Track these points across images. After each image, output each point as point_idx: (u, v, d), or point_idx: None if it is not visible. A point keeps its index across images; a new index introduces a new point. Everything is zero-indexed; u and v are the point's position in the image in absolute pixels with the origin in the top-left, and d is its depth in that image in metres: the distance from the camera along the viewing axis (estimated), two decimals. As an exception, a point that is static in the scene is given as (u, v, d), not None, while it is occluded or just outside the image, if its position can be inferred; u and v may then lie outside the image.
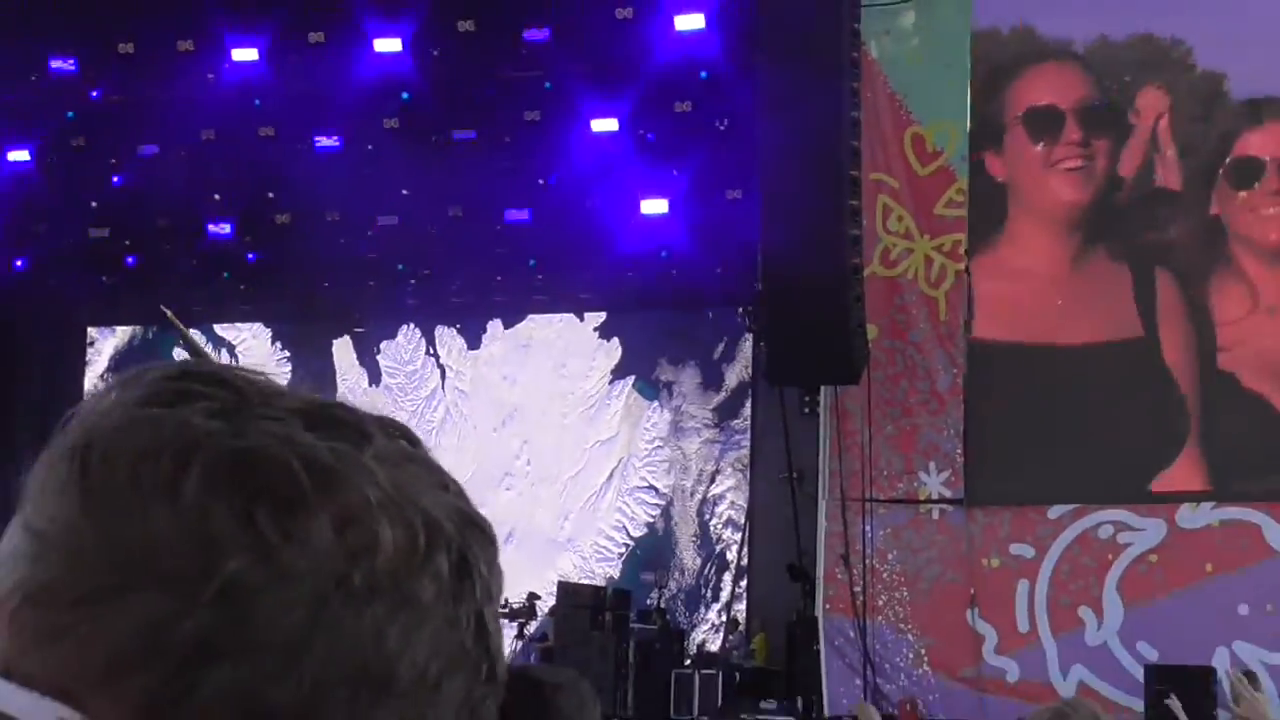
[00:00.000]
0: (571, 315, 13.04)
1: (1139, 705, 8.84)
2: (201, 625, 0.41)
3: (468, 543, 0.47)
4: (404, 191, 12.52)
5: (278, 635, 0.41)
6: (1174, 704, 5.87)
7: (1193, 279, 9.70)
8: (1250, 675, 7.37)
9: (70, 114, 13.19)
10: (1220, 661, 9.12)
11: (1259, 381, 9.50)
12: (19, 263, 13.82)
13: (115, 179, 13.36)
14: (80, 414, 0.47)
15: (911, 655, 9.74)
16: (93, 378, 14.68)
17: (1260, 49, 9.49)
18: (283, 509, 0.43)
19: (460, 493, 0.50)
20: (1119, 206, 9.97)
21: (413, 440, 0.50)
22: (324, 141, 12.49)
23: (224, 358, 13.95)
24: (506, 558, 0.48)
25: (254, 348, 14.33)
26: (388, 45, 11.71)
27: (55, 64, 12.85)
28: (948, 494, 9.78)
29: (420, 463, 0.49)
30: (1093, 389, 9.73)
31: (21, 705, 0.42)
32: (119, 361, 14.32)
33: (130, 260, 13.60)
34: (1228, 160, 9.65)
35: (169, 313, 6.56)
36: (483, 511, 0.48)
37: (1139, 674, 9.13)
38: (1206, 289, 9.65)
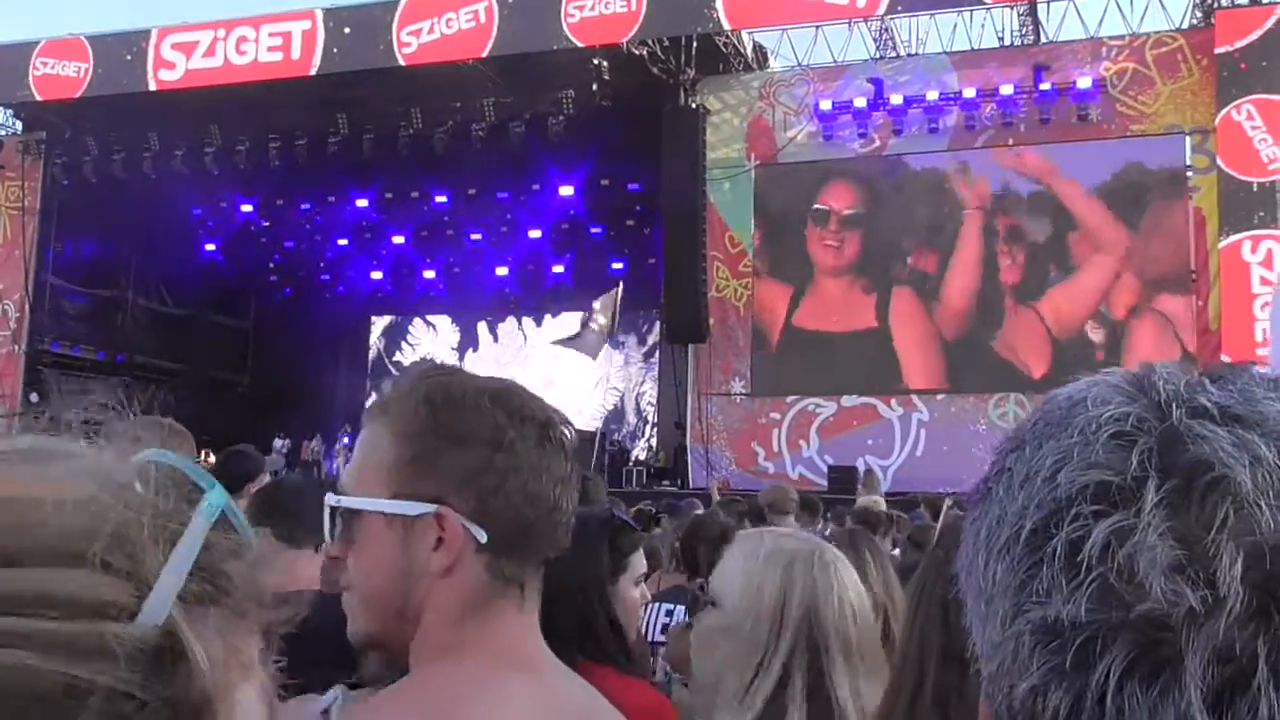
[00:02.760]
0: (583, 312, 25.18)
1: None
2: (504, 461, 1.23)
3: (566, 426, 1.31)
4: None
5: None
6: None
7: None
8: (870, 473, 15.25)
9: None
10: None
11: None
12: (326, 277, 25.59)
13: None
14: (408, 379, 1.29)
15: (727, 460, 19.83)
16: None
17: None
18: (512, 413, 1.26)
19: (559, 412, 1.33)
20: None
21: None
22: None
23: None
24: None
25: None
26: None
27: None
28: (743, 391, 20.13)
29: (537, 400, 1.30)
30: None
31: (413, 509, 1.20)
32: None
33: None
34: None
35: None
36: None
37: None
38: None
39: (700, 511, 8.42)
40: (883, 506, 9.00)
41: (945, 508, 4.84)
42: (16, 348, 22.84)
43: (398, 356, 28.86)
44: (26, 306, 22.87)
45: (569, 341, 19.81)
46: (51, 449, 0.54)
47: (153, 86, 20.18)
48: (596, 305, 17.68)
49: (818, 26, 19.08)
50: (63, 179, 22.50)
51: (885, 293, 19.22)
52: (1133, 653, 0.51)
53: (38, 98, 21.23)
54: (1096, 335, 18.06)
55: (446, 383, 1.32)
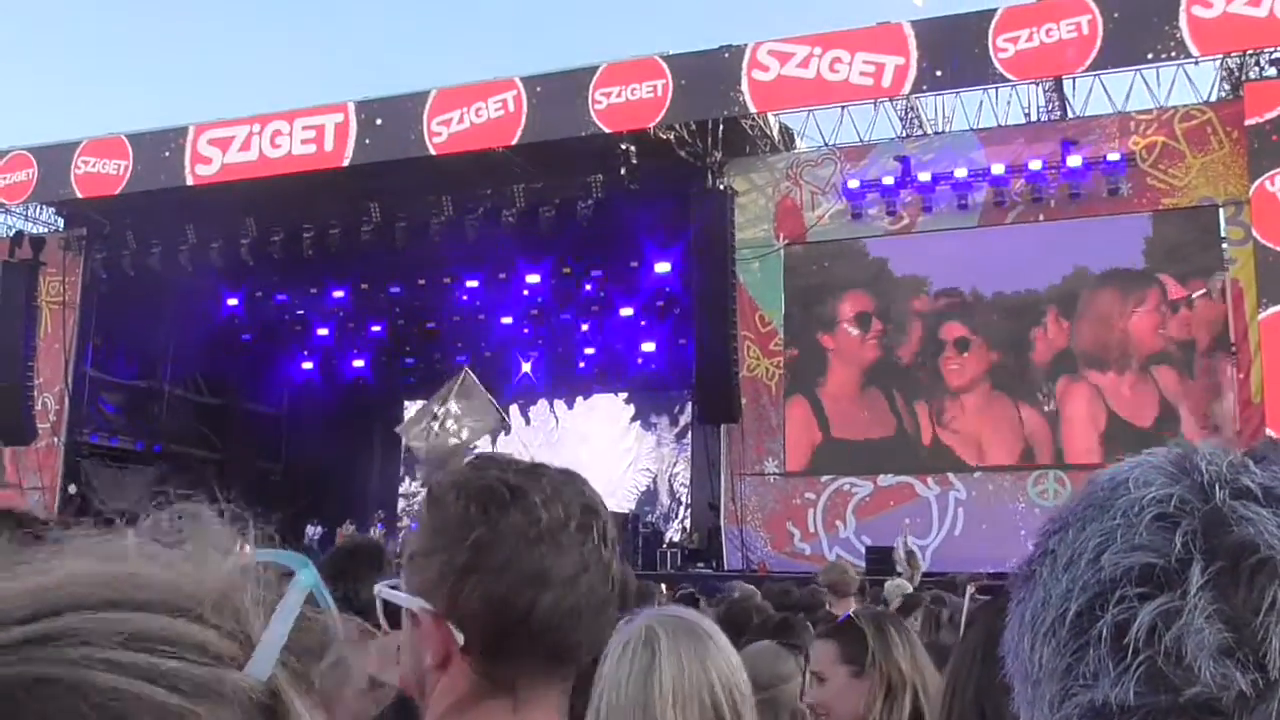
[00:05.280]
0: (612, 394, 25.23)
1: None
2: (466, 560, 1.19)
3: (589, 518, 1.26)
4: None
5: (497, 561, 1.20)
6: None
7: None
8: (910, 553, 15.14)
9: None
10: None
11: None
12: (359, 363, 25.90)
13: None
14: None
15: (762, 542, 19.33)
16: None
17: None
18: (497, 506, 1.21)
19: (593, 492, 1.28)
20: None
21: (569, 473, 1.31)
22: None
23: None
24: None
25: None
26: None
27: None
28: (777, 471, 19.65)
29: (569, 477, 1.28)
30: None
31: (411, 603, 1.27)
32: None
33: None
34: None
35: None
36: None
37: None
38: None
39: (736, 595, 8.29)
40: (908, 589, 8.80)
41: (968, 594, 4.71)
42: (56, 440, 23.03)
43: (430, 441, 28.85)
44: (66, 399, 23.11)
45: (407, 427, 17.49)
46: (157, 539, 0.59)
47: (190, 181, 20.57)
48: (437, 410, 15.68)
49: (843, 107, 19.22)
50: (102, 273, 22.88)
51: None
52: None
53: (79, 195, 21.66)
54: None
55: (446, 477, 1.34)
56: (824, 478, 19.39)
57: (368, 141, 19.61)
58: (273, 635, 0.54)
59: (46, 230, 23.79)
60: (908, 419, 19.03)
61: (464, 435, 15.83)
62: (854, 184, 18.95)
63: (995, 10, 17.42)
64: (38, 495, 22.44)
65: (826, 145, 19.77)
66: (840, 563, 8.65)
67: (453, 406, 15.83)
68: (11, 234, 23.13)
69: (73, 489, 23.06)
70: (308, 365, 27.84)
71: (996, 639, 0.67)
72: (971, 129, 19.06)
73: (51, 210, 23.91)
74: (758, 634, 4.46)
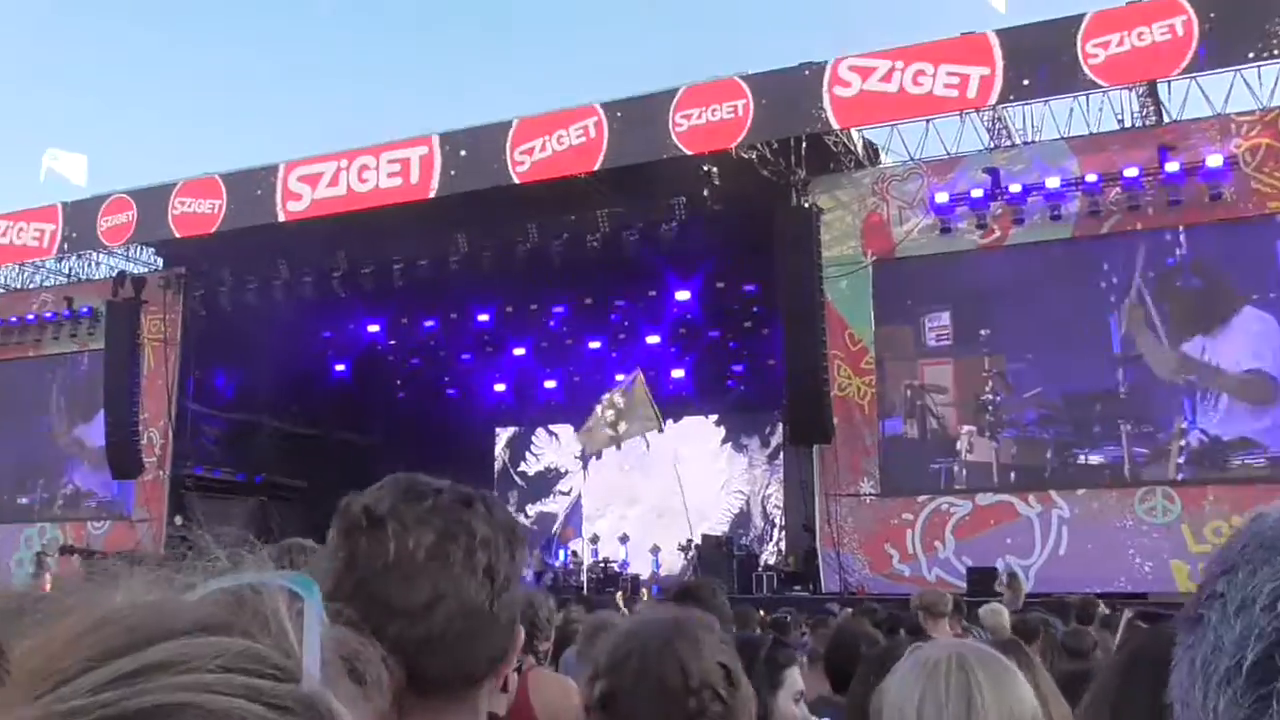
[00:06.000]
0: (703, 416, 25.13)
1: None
2: (327, 587, 0.97)
3: (449, 546, 1.32)
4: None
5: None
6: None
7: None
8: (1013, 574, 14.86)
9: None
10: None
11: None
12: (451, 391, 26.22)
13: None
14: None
15: (860, 564, 18.86)
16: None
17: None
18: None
19: (489, 523, 1.38)
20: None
21: (471, 498, 1.41)
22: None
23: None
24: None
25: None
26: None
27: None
28: (872, 492, 19.11)
29: (463, 505, 1.39)
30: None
31: None
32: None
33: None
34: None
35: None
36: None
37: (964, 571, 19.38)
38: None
39: (840, 619, 8.11)
40: (1005, 616, 8.51)
41: (1125, 619, 4.46)
42: (162, 473, 23.61)
43: (522, 466, 29.05)
44: (170, 433, 23.68)
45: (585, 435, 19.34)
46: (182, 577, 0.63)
47: (282, 218, 20.96)
48: (605, 398, 17.46)
49: (928, 120, 18.89)
50: (200, 310, 23.44)
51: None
52: None
53: (177, 235, 22.23)
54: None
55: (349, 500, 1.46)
56: (921, 497, 18.93)
57: (452, 173, 19.80)
58: (313, 650, 0.57)
59: (147, 270, 24.47)
60: (1007, 435, 18.71)
61: (620, 429, 17.75)
62: (942, 198, 18.59)
63: (1084, 15, 16.94)
64: (146, 527, 23.03)
65: (912, 159, 19.44)
66: (936, 589, 8.48)
67: (618, 401, 17.71)
68: (114, 274, 23.85)
69: (179, 520, 23.59)
70: (401, 395, 28.20)
71: (1141, 671, 0.57)
72: (1062, 137, 18.55)
73: (151, 250, 24.58)
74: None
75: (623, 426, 17.63)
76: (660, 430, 18.75)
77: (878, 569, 18.74)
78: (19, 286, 26.01)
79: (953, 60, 17.43)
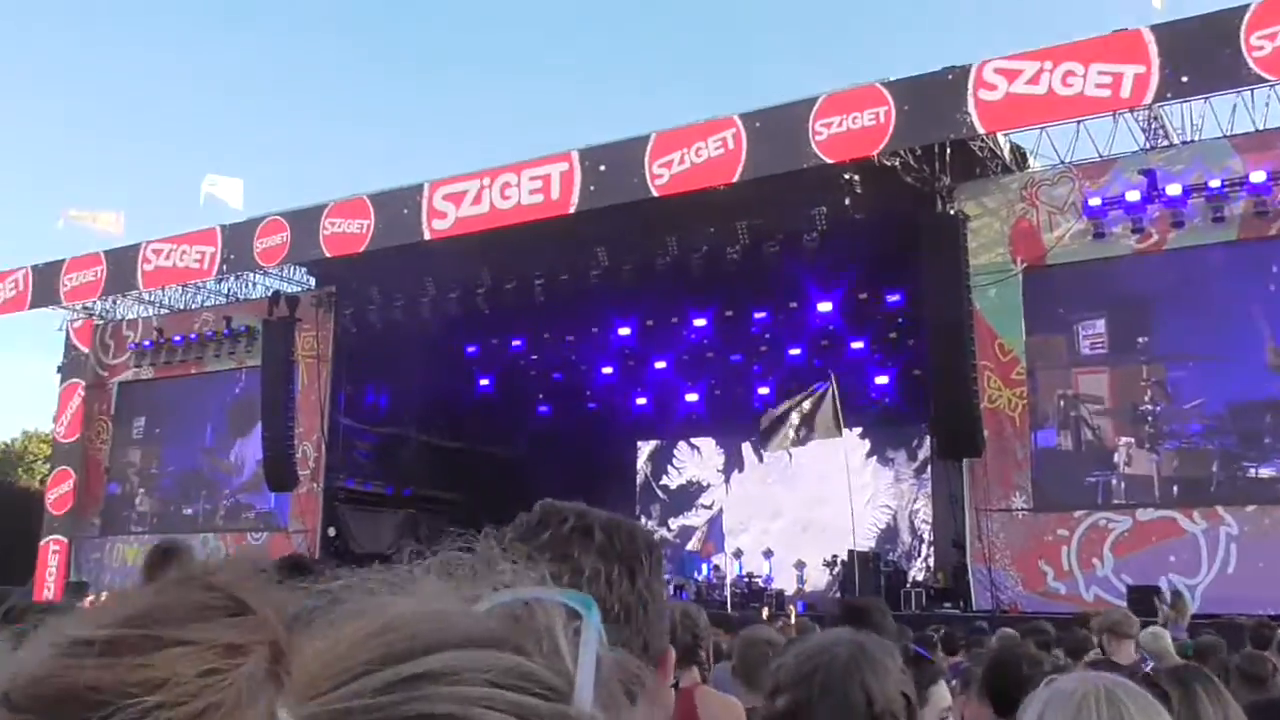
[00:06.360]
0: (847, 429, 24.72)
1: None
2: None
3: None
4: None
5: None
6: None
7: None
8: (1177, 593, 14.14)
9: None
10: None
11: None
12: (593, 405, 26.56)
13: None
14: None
15: (1012, 581, 18.23)
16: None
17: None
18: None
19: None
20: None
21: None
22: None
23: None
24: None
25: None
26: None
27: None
28: (1025, 507, 18.45)
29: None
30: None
31: None
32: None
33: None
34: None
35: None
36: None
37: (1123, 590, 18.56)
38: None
39: (998, 638, 7.83)
40: (1168, 640, 8.06)
41: None
42: (315, 485, 24.35)
43: (664, 480, 29.03)
44: (323, 447, 24.42)
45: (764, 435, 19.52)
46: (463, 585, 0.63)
47: (427, 236, 21.40)
48: (792, 400, 17.78)
49: (1079, 122, 18.23)
50: (350, 327, 24.13)
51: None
52: None
53: (327, 255, 22.92)
54: None
55: None
56: (1077, 512, 18.24)
57: (592, 188, 19.92)
58: (586, 671, 0.56)
59: (300, 289, 25.32)
60: (1167, 448, 17.91)
61: (801, 434, 18.46)
62: (1095, 201, 17.92)
63: (1248, 5, 16.10)
64: (300, 538, 23.76)
65: (1063, 163, 18.78)
66: (1123, 608, 8.20)
67: (805, 405, 18.34)
68: (270, 294, 24.74)
69: (332, 532, 24.30)
70: (544, 409, 28.51)
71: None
72: (1225, 135, 17.69)
73: (303, 270, 25.42)
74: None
75: (804, 431, 18.09)
76: (839, 436, 18.80)
77: (1031, 586, 18.11)
78: (182, 307, 27.17)
79: (1104, 59, 16.75)
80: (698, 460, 28.64)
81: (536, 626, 0.58)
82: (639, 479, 29.28)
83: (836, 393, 18.33)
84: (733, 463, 27.91)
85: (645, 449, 29.59)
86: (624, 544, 1.43)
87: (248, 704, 0.50)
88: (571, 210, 19.99)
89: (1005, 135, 19.30)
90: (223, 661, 0.51)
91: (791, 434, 18.49)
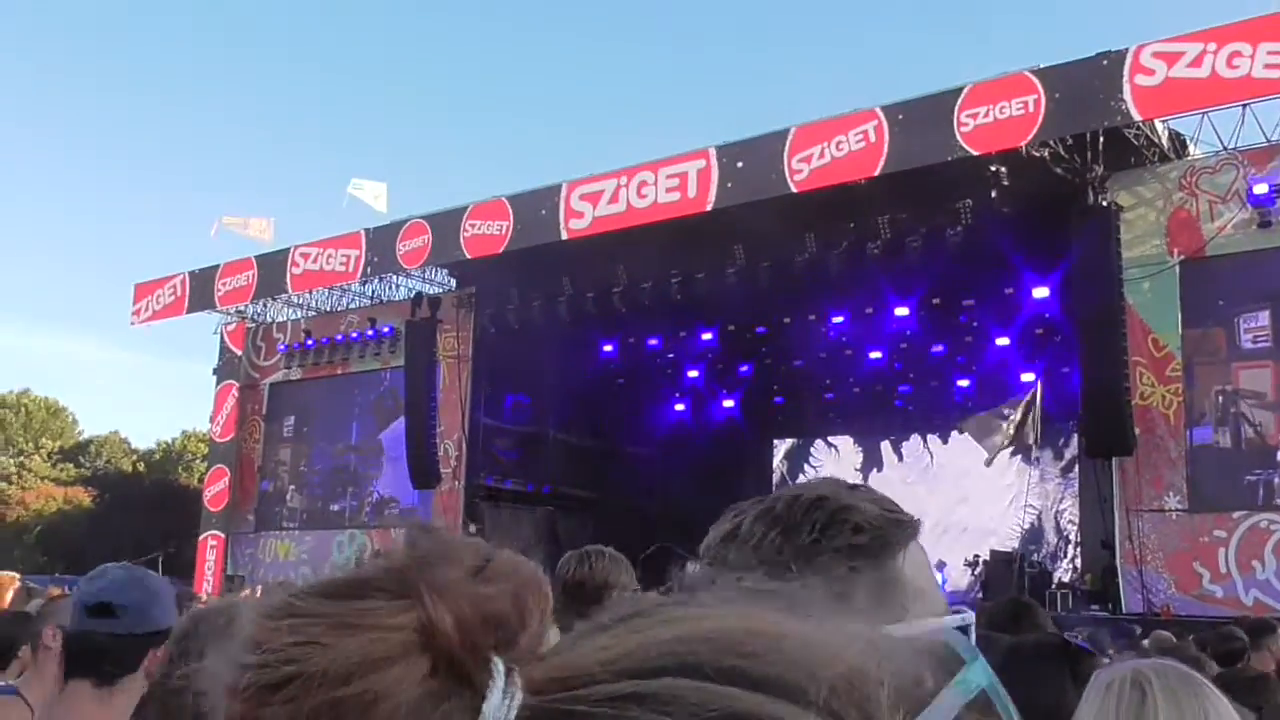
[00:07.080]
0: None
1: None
2: None
3: None
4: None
5: None
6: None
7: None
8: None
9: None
10: None
11: None
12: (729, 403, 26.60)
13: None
14: None
15: (1165, 584, 17.68)
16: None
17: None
18: None
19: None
20: None
21: None
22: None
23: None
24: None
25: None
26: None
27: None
28: (1179, 507, 17.79)
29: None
30: None
31: None
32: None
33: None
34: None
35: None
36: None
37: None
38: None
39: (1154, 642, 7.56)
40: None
41: None
42: (457, 483, 24.82)
43: (801, 478, 28.73)
44: (464, 445, 24.87)
45: (976, 434, 19.50)
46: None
47: (564, 236, 21.62)
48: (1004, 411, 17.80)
49: (1245, 105, 17.46)
50: (490, 327, 24.51)
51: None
52: None
53: (468, 256, 23.33)
54: None
55: None
56: (1236, 513, 17.53)
57: (730, 185, 19.85)
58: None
59: (441, 290, 25.82)
60: (1336, 444, 17.07)
61: (1004, 440, 19.18)
62: (1261, 189, 17.15)
63: None
64: (442, 535, 24.22)
65: (1226, 149, 18.03)
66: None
67: (1005, 410, 19.06)
68: (412, 295, 25.30)
69: (473, 529, 24.71)
70: (680, 407, 28.55)
71: None
72: None
73: (444, 271, 25.92)
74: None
75: (1006, 439, 18.57)
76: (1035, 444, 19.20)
77: (1185, 589, 17.51)
78: (328, 309, 27.97)
79: (1274, 38, 16.02)
80: (835, 458, 28.36)
81: (853, 669, 0.47)
82: (775, 477, 29.13)
83: (1039, 397, 18.39)
84: (871, 461, 27.57)
85: (781, 447, 29.42)
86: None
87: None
88: (709, 208, 19.95)
89: (1163, 122, 18.61)
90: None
91: (999, 439, 18.92)
